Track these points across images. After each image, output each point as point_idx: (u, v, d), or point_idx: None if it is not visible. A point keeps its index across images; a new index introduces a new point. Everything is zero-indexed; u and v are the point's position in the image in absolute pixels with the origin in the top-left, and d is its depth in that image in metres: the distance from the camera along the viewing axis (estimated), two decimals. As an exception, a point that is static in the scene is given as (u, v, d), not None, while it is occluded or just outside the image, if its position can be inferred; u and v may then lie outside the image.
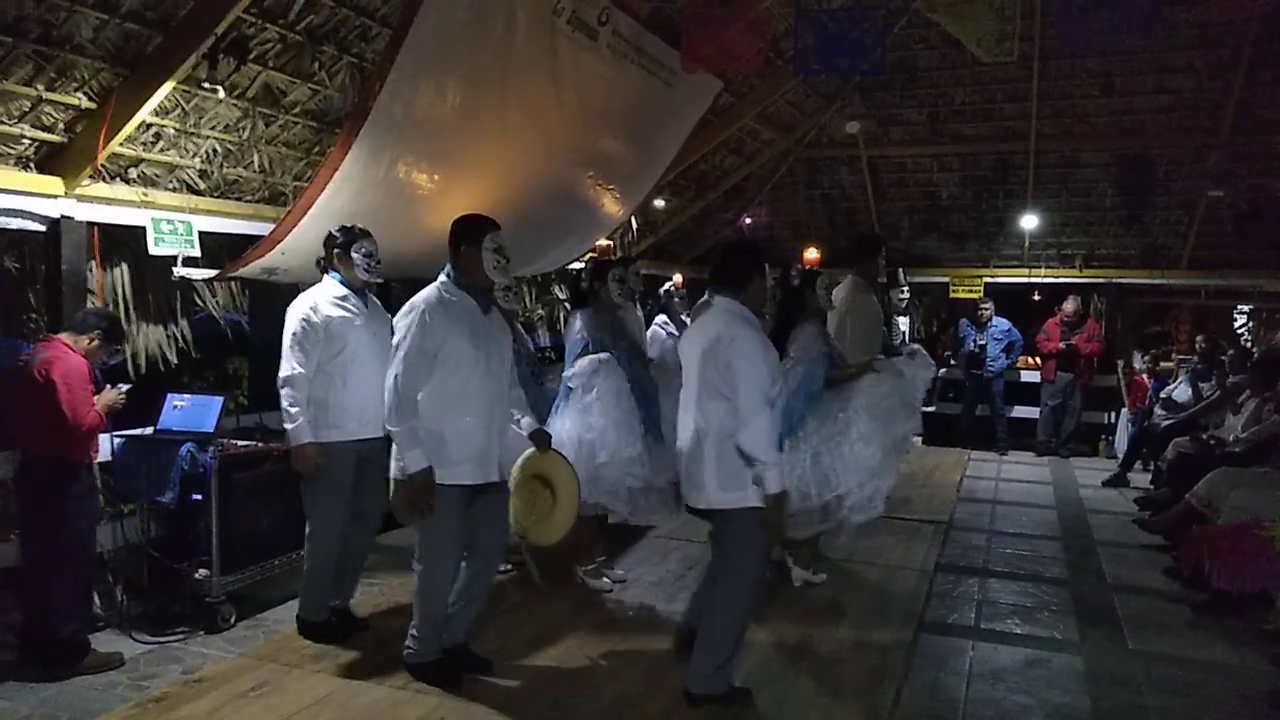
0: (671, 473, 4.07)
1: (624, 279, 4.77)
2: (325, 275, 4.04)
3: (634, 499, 4.54)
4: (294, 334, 3.85)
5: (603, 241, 4.85)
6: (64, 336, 3.86)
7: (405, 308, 3.44)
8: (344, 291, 3.98)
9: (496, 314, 3.62)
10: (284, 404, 3.82)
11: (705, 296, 3.47)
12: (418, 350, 3.34)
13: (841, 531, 4.43)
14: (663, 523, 5.47)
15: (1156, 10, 5.29)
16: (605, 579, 4.85)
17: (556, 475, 4.03)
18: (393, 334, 3.47)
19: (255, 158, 4.99)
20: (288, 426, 3.84)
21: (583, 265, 4.69)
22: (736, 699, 3.40)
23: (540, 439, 3.98)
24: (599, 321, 4.71)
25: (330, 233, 4.05)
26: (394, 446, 3.44)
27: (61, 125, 4.12)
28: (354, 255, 3.97)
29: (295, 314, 3.89)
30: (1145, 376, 9.03)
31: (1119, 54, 8.02)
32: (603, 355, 4.58)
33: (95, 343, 3.90)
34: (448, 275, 3.51)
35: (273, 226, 4.50)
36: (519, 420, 3.88)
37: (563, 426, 4.48)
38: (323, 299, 3.93)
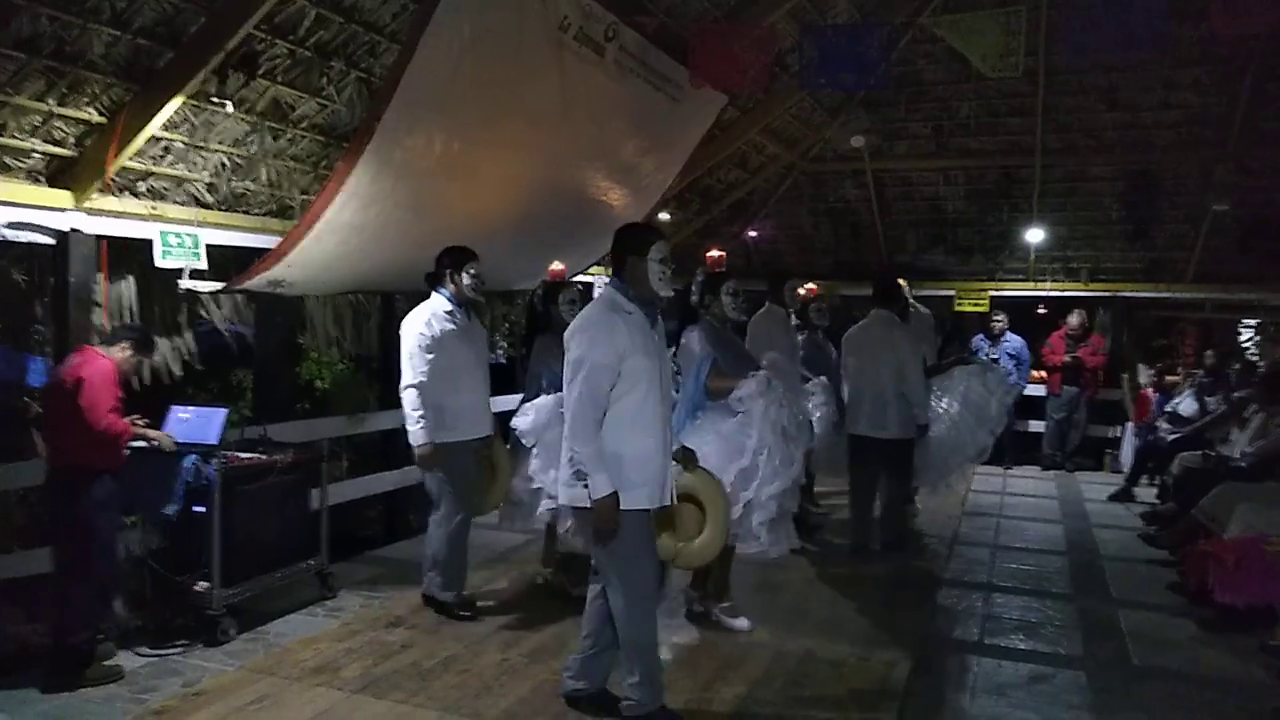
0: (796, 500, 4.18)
1: (737, 291, 4.47)
2: (434, 291, 4.45)
3: (776, 529, 4.18)
4: (414, 346, 4.28)
5: (715, 252, 4.76)
6: (96, 347, 3.95)
7: (579, 322, 3.25)
8: (451, 306, 4.41)
9: (661, 328, 3.40)
10: (407, 408, 4.27)
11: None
12: (604, 366, 3.12)
13: None
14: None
15: (1162, 26, 5.31)
16: (742, 619, 4.46)
17: (706, 494, 3.81)
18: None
19: (263, 172, 5.03)
20: (411, 429, 4.28)
21: (696, 279, 4.54)
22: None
23: (688, 457, 3.77)
24: (717, 337, 4.40)
25: (441, 254, 4.45)
26: (565, 472, 3.24)
27: (72, 139, 4.17)
28: (463, 275, 4.39)
29: (412, 328, 4.32)
30: (1150, 390, 9.00)
31: (1124, 69, 8.05)
32: (760, 373, 4.23)
33: (127, 352, 3.97)
34: (615, 287, 3.30)
35: (279, 240, 4.53)
36: None
37: (706, 449, 4.00)
38: (435, 314, 4.35)
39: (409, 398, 4.27)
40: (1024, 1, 5.83)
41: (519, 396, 4.88)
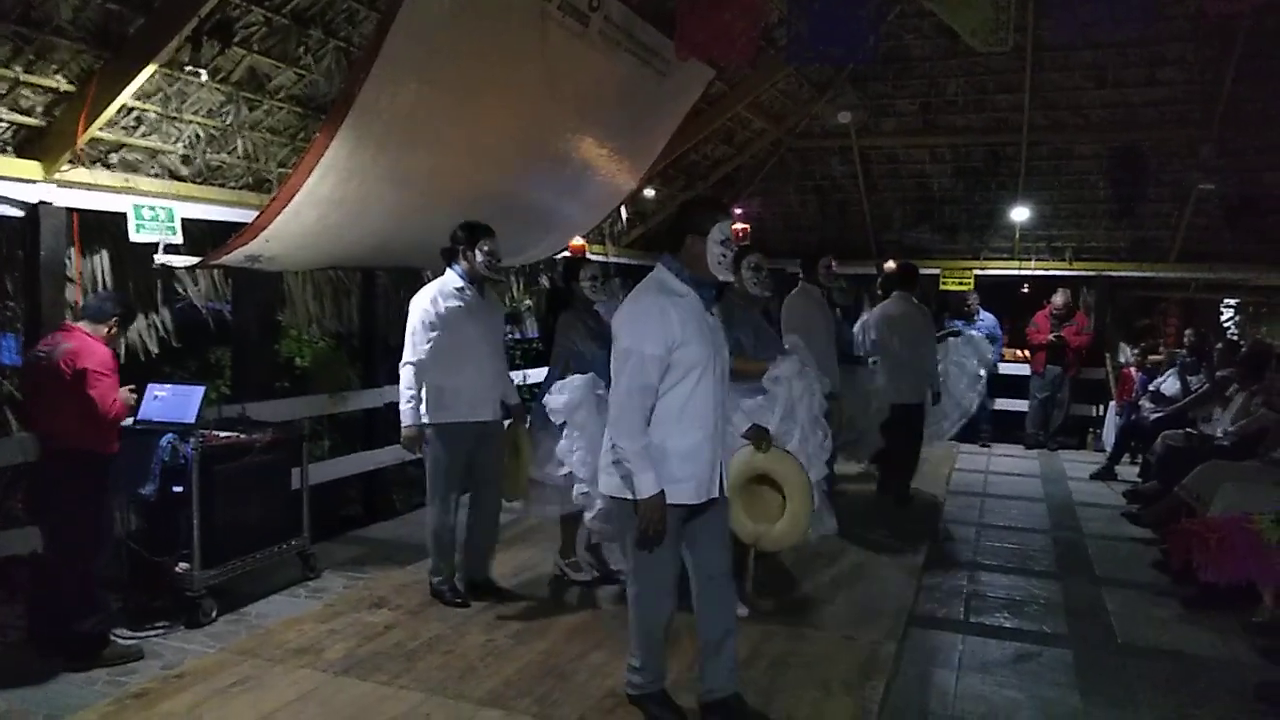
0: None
1: (760, 266, 4.33)
2: (448, 268, 4.29)
3: (819, 513, 4.13)
4: (416, 323, 4.16)
5: (739, 225, 4.65)
6: (84, 326, 3.81)
7: (628, 309, 3.03)
8: (462, 283, 4.24)
9: (717, 312, 3.20)
10: (401, 386, 4.18)
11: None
12: (654, 358, 2.90)
13: None
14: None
15: (1151, 3, 5.27)
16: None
17: (784, 472, 3.71)
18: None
19: (239, 143, 4.91)
20: (402, 407, 4.18)
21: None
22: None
23: (759, 435, 3.71)
24: (740, 316, 4.22)
25: (456, 229, 4.26)
26: (605, 459, 3.09)
27: (40, 108, 4.04)
28: (477, 252, 4.20)
29: (418, 305, 4.19)
30: (1133, 370, 9.05)
31: (1112, 46, 8.01)
32: (793, 355, 4.15)
33: (114, 330, 3.88)
34: (669, 268, 3.06)
35: (257, 213, 4.43)
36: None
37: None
38: (444, 291, 4.21)
39: (403, 375, 4.17)
40: (1013, -24, 5.78)
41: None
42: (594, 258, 8.43)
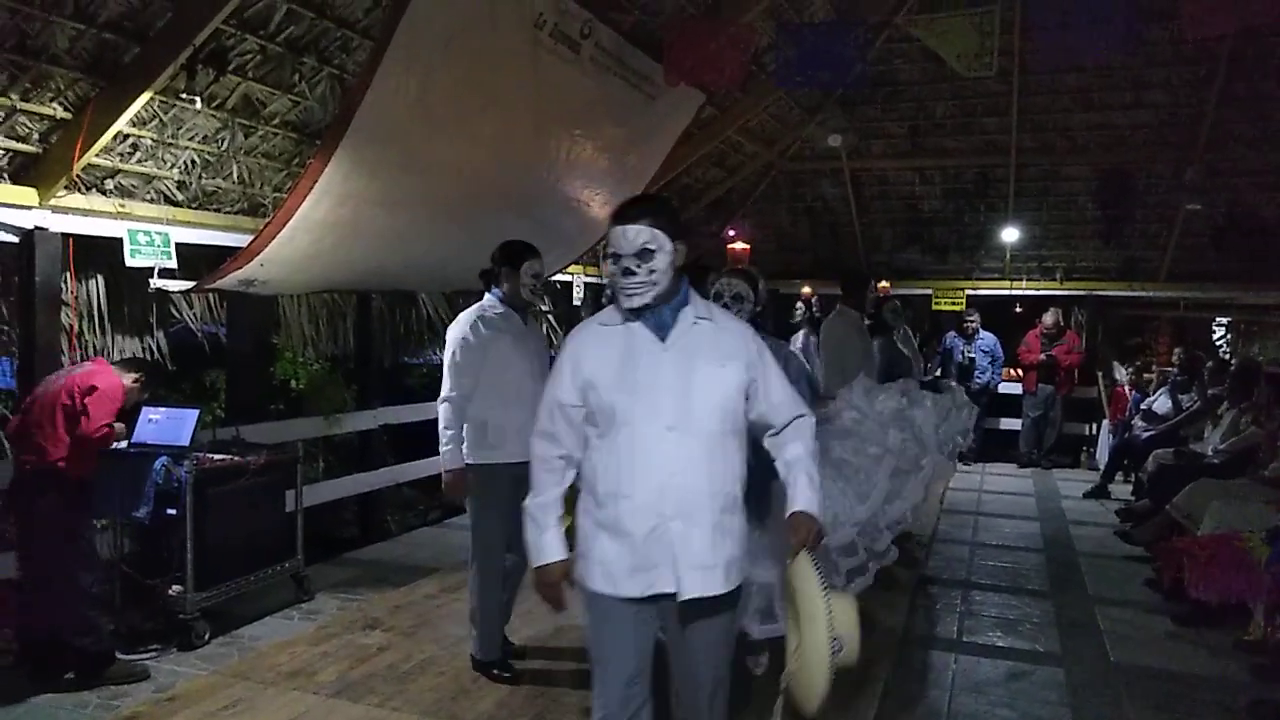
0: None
1: (742, 296, 3.65)
2: (487, 292, 3.87)
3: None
4: (453, 355, 3.73)
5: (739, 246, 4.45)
6: (113, 366, 3.94)
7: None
8: (503, 309, 3.81)
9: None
10: (440, 424, 3.72)
11: None
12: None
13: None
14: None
15: (1134, 27, 5.36)
16: None
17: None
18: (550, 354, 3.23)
19: (234, 169, 4.95)
20: (441, 449, 3.71)
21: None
22: None
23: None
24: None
25: (496, 249, 3.87)
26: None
27: (36, 135, 4.08)
28: (522, 274, 3.78)
29: (455, 334, 3.77)
30: (1126, 388, 9.10)
31: (1098, 70, 8.13)
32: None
33: (136, 384, 3.97)
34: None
35: (251, 238, 4.46)
36: None
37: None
38: (482, 317, 3.77)
39: (442, 413, 3.73)
40: (997, 2, 5.87)
41: None
42: (569, 276, 8.53)
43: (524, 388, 3.69)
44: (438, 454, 3.80)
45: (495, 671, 3.79)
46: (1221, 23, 4.94)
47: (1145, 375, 9.41)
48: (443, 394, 3.74)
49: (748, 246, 9.50)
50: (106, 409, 3.73)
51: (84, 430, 3.65)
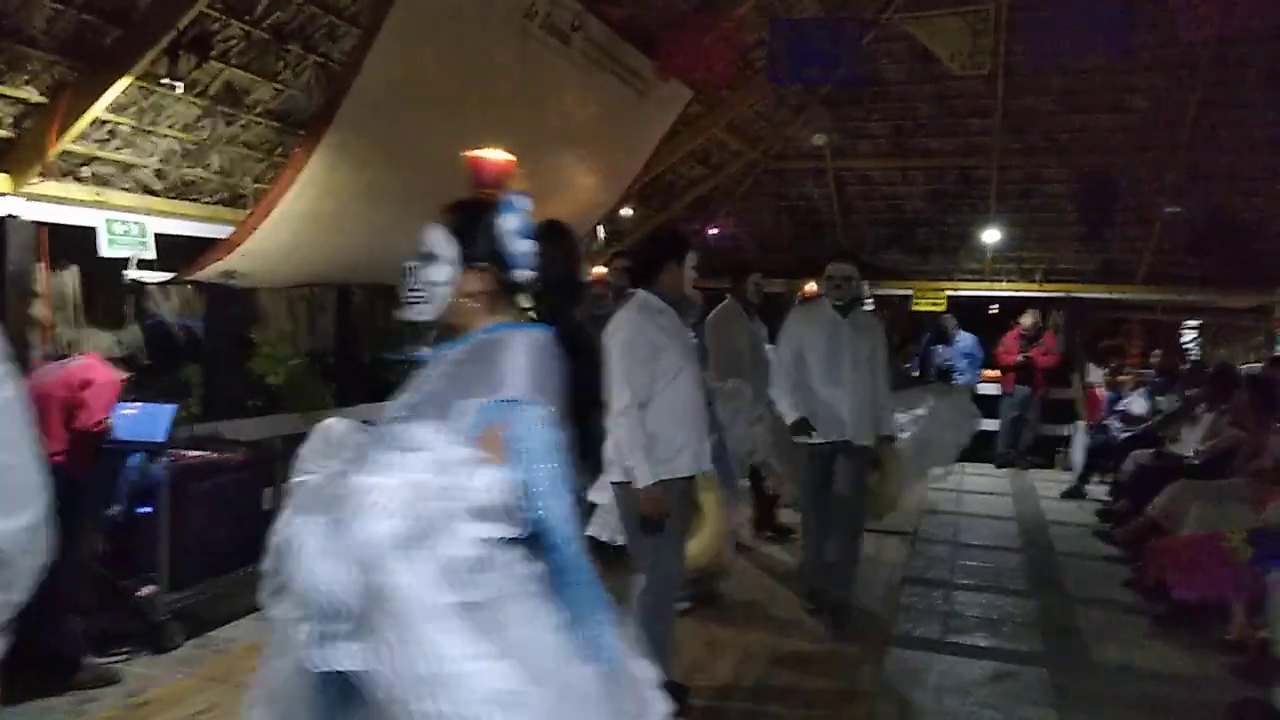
0: None
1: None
2: (641, 290, 3.46)
3: None
4: (622, 360, 3.30)
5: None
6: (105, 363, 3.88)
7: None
8: (663, 306, 3.41)
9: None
10: (622, 440, 3.28)
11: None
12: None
13: None
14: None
15: (1120, 31, 5.40)
16: None
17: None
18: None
19: (215, 158, 4.85)
20: (630, 465, 3.25)
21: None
22: None
23: None
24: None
25: (652, 242, 3.60)
26: None
27: (10, 120, 3.96)
28: (685, 267, 3.44)
29: (619, 338, 3.34)
30: (1100, 389, 9.18)
31: (1081, 72, 8.17)
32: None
33: (125, 381, 3.91)
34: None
35: (232, 229, 4.37)
36: None
37: None
38: (649, 317, 3.38)
39: (622, 427, 3.28)
40: (986, 2, 5.89)
41: None
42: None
43: (690, 395, 3.40)
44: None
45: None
46: (1209, 27, 4.99)
47: (1119, 377, 9.52)
48: (618, 406, 3.29)
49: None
50: (104, 402, 3.68)
51: (82, 424, 3.58)
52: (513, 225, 1.79)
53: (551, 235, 1.77)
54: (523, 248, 1.79)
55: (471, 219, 1.84)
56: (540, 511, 1.61)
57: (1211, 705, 3.90)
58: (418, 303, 1.83)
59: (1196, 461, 6.22)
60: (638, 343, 3.29)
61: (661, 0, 6.19)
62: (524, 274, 1.80)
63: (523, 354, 1.71)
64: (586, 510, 3.59)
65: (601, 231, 8.90)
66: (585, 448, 1.56)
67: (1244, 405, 6.00)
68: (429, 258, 1.82)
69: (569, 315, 1.58)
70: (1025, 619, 5.00)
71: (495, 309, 1.82)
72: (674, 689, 3.48)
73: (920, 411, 6.35)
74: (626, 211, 8.94)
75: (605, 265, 5.17)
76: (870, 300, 10.41)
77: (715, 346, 5.23)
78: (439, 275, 1.81)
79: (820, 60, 5.56)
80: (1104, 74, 8.18)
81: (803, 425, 4.42)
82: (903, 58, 8.55)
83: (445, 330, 1.86)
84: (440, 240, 1.82)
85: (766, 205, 10.63)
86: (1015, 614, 5.07)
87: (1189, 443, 6.69)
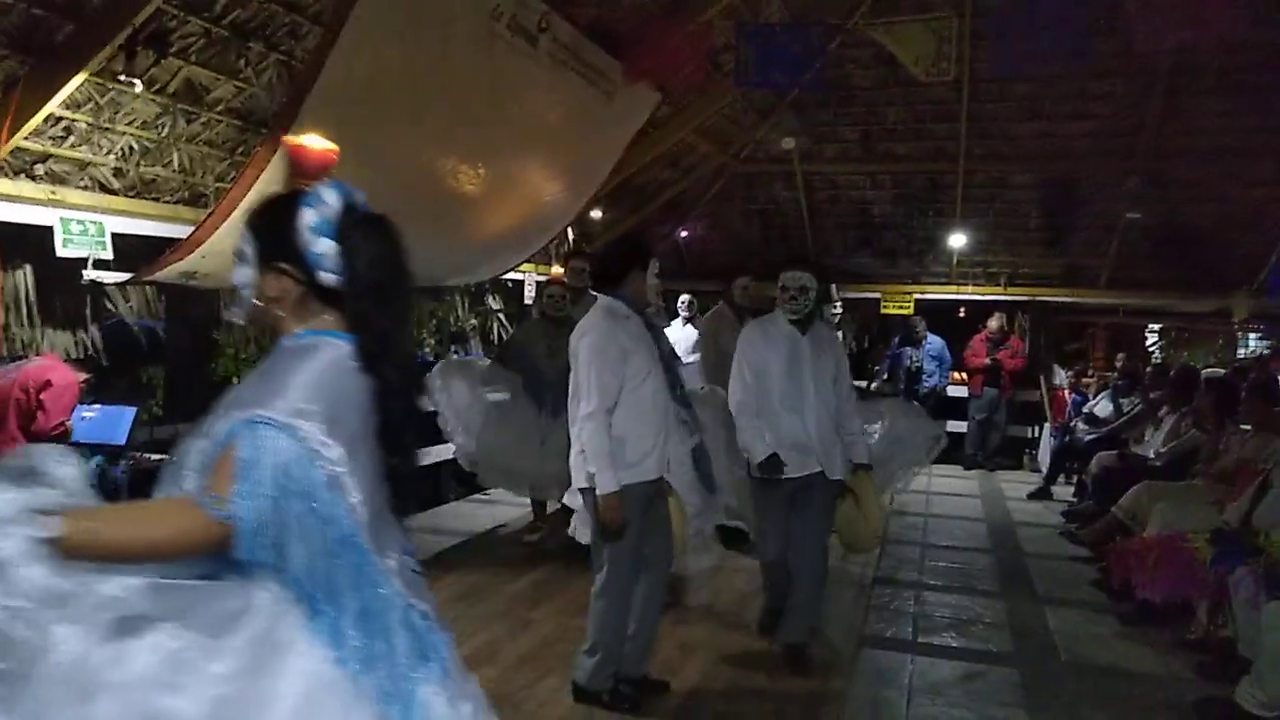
0: None
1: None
2: (609, 296, 3.45)
3: None
4: (592, 364, 3.30)
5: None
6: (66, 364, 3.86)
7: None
8: (629, 313, 3.43)
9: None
10: (585, 445, 3.28)
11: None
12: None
13: None
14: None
15: (1082, 40, 5.47)
16: None
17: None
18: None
19: (175, 156, 4.76)
20: (593, 471, 3.24)
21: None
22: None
23: None
24: None
25: (612, 250, 3.65)
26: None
27: (-41, 116, 3.84)
28: (649, 272, 3.44)
29: (591, 342, 3.34)
30: (1065, 391, 9.30)
31: (1045, 80, 8.28)
32: None
33: (84, 384, 3.93)
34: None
35: (192, 229, 4.28)
36: None
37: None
38: (616, 321, 3.39)
39: (587, 432, 3.28)
40: (951, 10, 5.94)
41: None
42: (521, 275, 8.42)
43: (659, 399, 3.42)
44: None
45: (605, 698, 3.48)
46: (1169, 36, 5.07)
47: (1084, 379, 9.65)
48: (586, 410, 3.29)
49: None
50: (63, 405, 3.62)
51: (40, 427, 3.49)
52: (312, 222, 1.57)
53: (367, 232, 1.58)
54: (321, 248, 1.56)
55: (270, 216, 1.64)
56: (258, 549, 1.38)
57: (1177, 703, 3.94)
58: (233, 306, 1.70)
59: (1159, 463, 6.30)
60: (607, 347, 3.29)
61: (629, 2, 6.19)
62: (327, 277, 1.57)
63: (305, 368, 1.50)
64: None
65: (571, 234, 8.86)
66: (396, 484, 1.39)
67: (1205, 408, 6.10)
68: (239, 257, 1.65)
69: (380, 324, 1.36)
70: (994, 619, 5.02)
71: (304, 315, 1.61)
72: (653, 686, 3.52)
73: (874, 427, 5.79)
74: (597, 214, 8.92)
75: (562, 266, 5.11)
76: (839, 304, 10.51)
77: (707, 352, 5.22)
78: (242, 278, 1.64)
79: (787, 65, 5.58)
80: (1067, 81, 8.31)
81: (773, 463, 3.91)
82: (870, 64, 8.62)
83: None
84: (245, 240, 1.64)
85: (736, 209, 10.66)
86: (985, 614, 5.09)
87: (1152, 444, 6.78)
